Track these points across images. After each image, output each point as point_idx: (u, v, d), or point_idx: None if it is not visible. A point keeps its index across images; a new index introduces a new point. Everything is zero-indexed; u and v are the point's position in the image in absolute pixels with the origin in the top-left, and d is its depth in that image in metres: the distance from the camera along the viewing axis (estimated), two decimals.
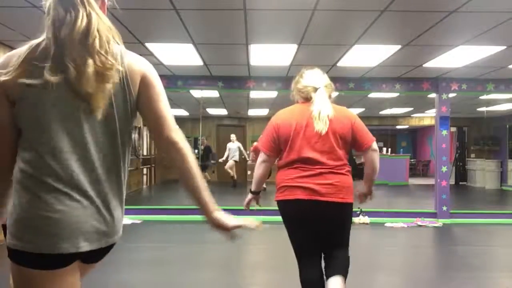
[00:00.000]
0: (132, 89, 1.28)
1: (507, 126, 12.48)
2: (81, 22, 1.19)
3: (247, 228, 1.42)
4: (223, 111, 12.40)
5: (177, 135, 1.33)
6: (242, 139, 12.11)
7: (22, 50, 1.25)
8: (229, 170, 11.26)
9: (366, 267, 4.32)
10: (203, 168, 11.10)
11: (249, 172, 12.02)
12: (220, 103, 10.52)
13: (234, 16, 4.16)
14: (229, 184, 11.19)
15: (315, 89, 2.45)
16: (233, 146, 11.36)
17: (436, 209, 7.18)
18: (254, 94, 8.81)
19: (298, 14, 4.09)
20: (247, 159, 11.44)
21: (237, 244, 5.63)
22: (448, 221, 7.06)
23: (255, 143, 10.92)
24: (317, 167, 2.36)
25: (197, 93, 8.74)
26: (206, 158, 11.23)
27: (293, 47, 5.33)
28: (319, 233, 2.45)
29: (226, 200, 8.43)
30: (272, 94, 8.60)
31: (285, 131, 2.43)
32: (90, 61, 1.18)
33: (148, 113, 1.33)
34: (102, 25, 1.23)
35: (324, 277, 2.43)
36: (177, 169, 1.36)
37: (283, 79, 7.22)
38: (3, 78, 1.19)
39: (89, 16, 1.20)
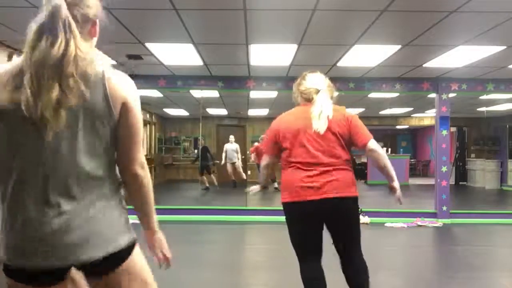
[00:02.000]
0: (113, 110, 1.31)
1: (507, 126, 12.46)
2: (58, 49, 1.21)
3: (162, 263, 1.51)
4: (223, 111, 12.39)
5: (141, 170, 1.37)
6: (242, 139, 12.10)
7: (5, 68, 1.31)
8: (230, 171, 11.23)
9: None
10: (203, 168, 11.07)
11: (249, 172, 12.01)
12: (220, 103, 10.52)
13: (234, 16, 4.16)
14: (230, 185, 11.19)
15: (317, 91, 2.54)
16: (232, 147, 11.31)
17: (436, 209, 7.18)
18: (254, 94, 8.81)
19: (298, 14, 4.09)
20: (249, 158, 11.44)
21: (237, 244, 5.65)
22: (448, 221, 7.06)
23: (255, 144, 10.92)
24: (319, 165, 2.41)
25: (197, 93, 8.74)
26: (204, 158, 11.20)
27: (293, 47, 5.33)
28: (329, 230, 2.52)
29: (226, 200, 8.46)
30: (272, 94, 8.60)
31: (286, 133, 2.51)
32: (56, 86, 1.21)
33: (120, 139, 1.35)
34: (80, 53, 1.25)
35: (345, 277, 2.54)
36: (134, 194, 1.40)
37: (283, 79, 7.22)
38: None
39: (67, 44, 1.23)
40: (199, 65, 6.34)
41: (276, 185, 10.69)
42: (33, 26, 1.25)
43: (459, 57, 5.66)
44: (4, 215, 1.28)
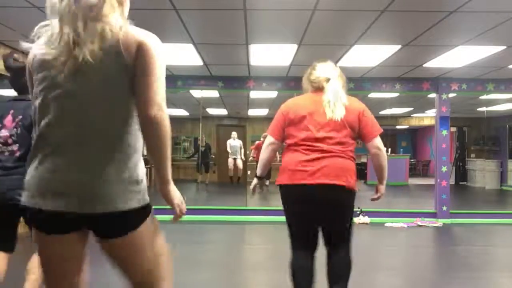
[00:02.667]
0: (128, 57, 1.30)
1: (507, 126, 12.46)
2: None
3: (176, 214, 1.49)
4: (223, 111, 12.39)
5: (158, 112, 1.32)
6: (242, 139, 12.07)
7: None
8: (230, 171, 11.20)
9: (366, 267, 4.32)
10: (203, 166, 11.07)
11: (248, 172, 11.99)
12: (220, 103, 10.52)
13: (234, 16, 4.16)
14: (229, 184, 11.18)
15: (328, 79, 2.48)
16: (235, 143, 11.32)
17: (436, 209, 7.18)
18: (254, 94, 8.80)
19: (298, 14, 4.09)
20: (250, 156, 11.42)
21: (237, 244, 5.65)
22: (448, 221, 7.06)
23: (257, 142, 10.91)
24: (319, 151, 2.37)
25: (197, 93, 8.74)
26: (205, 156, 11.20)
27: (293, 47, 5.33)
28: (318, 219, 2.45)
29: (226, 200, 8.46)
30: (272, 94, 8.59)
31: (292, 116, 2.45)
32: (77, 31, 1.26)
33: (136, 85, 1.33)
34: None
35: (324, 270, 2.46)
36: (150, 139, 1.35)
37: (283, 79, 7.22)
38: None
39: None
40: (199, 65, 6.34)
41: (267, 183, 10.68)
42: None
43: (459, 57, 5.66)
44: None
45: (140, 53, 1.31)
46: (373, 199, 2.63)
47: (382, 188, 2.59)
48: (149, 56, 1.33)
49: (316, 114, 2.41)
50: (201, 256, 4.86)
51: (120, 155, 1.32)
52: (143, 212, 1.39)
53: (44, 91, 1.34)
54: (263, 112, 11.96)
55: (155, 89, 1.32)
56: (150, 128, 1.31)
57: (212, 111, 12.09)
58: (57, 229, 1.34)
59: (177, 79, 7.02)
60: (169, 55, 5.83)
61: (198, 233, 6.08)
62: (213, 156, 11.63)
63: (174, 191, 1.44)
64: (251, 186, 2.80)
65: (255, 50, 5.48)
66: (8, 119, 2.51)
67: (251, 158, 11.14)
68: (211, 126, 13.23)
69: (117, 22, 1.32)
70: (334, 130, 2.39)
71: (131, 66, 1.31)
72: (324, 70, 2.52)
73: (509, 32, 4.56)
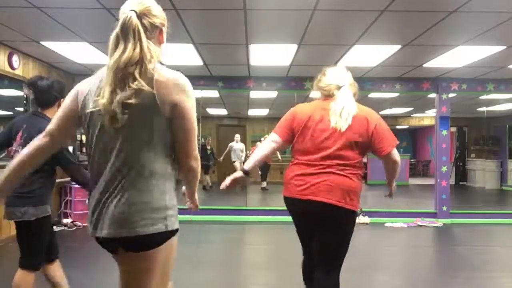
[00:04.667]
0: (162, 109, 1.47)
1: (507, 126, 12.46)
2: (128, 53, 1.44)
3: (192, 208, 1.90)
4: (223, 111, 12.39)
5: (195, 163, 1.60)
6: (242, 139, 12.08)
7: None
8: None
9: (366, 267, 4.32)
10: (206, 168, 11.03)
11: None
12: (220, 103, 10.52)
13: (234, 16, 4.16)
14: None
15: (339, 87, 2.36)
16: (239, 146, 11.26)
17: (436, 209, 7.18)
18: (254, 94, 8.80)
19: (298, 14, 4.09)
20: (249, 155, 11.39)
21: (237, 244, 5.65)
22: (448, 221, 7.06)
23: (258, 143, 10.90)
24: (316, 165, 2.25)
25: (197, 93, 8.73)
26: (206, 158, 11.17)
27: (293, 47, 5.33)
28: (312, 232, 2.38)
29: (226, 200, 8.43)
30: (272, 94, 8.59)
31: (299, 121, 2.35)
32: (123, 86, 1.44)
33: (175, 137, 1.54)
34: (146, 57, 1.48)
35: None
36: (187, 179, 1.70)
37: (283, 79, 7.22)
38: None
39: (134, 49, 1.45)
40: (199, 65, 6.34)
41: (264, 184, 10.66)
42: (111, 36, 1.47)
43: (459, 57, 5.66)
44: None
45: (176, 113, 1.50)
46: (387, 196, 2.69)
47: (394, 186, 2.62)
48: (185, 115, 1.52)
49: (320, 123, 2.29)
50: (201, 256, 4.86)
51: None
52: (165, 236, 1.52)
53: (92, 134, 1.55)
54: (263, 112, 11.96)
55: (193, 144, 1.56)
56: (188, 174, 1.64)
57: (212, 111, 12.10)
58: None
59: None
60: (169, 55, 5.83)
61: (198, 233, 6.08)
62: (218, 160, 11.53)
63: (196, 196, 1.86)
64: (230, 177, 2.43)
65: (255, 50, 5.48)
66: (19, 135, 2.58)
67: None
68: (211, 126, 13.23)
69: (153, 72, 1.51)
70: (337, 142, 2.24)
71: (168, 118, 1.50)
72: (335, 77, 2.39)
73: (509, 32, 4.56)
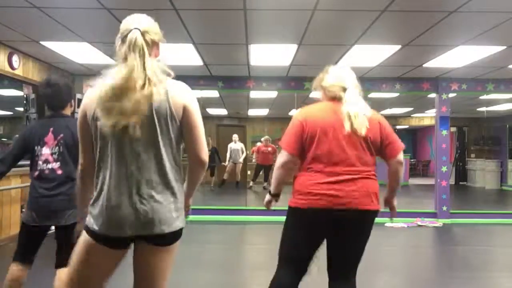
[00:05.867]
0: (176, 116, 1.64)
1: (507, 126, 12.47)
2: (135, 71, 1.58)
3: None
4: (223, 111, 12.39)
5: (205, 156, 1.73)
6: (242, 139, 12.08)
7: None
8: (226, 174, 11.09)
9: (366, 267, 4.31)
10: (212, 169, 10.98)
11: (248, 172, 11.99)
12: (220, 103, 10.52)
13: (234, 16, 4.16)
14: (231, 185, 11.15)
15: (344, 89, 2.25)
16: (236, 146, 11.24)
17: (436, 209, 7.18)
18: (254, 94, 8.81)
19: (298, 14, 4.09)
20: (250, 156, 11.38)
21: (237, 244, 5.65)
22: (448, 221, 7.06)
23: (258, 144, 10.90)
24: (345, 172, 2.14)
25: (197, 93, 8.74)
26: (212, 160, 11.11)
27: (293, 47, 5.33)
28: (332, 245, 2.27)
29: (226, 200, 8.45)
30: (272, 94, 8.60)
31: (312, 128, 2.17)
32: (133, 101, 1.56)
33: (186, 135, 1.70)
34: (150, 73, 1.63)
35: None
36: (193, 174, 1.80)
37: (283, 79, 7.22)
38: None
39: (139, 66, 1.60)
40: (199, 65, 6.34)
41: (265, 184, 10.63)
42: (118, 57, 1.62)
43: (459, 57, 5.66)
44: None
45: (186, 114, 1.67)
46: (390, 216, 2.55)
47: (395, 203, 2.49)
48: (193, 114, 1.69)
49: (339, 129, 2.16)
50: (201, 256, 4.86)
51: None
52: (178, 234, 1.72)
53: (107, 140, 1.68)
54: (263, 112, 11.96)
55: (202, 140, 1.73)
56: (198, 167, 1.76)
57: (212, 111, 12.10)
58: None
59: (177, 79, 7.00)
60: (169, 55, 5.84)
61: (198, 233, 6.08)
62: (224, 164, 11.41)
63: (190, 202, 1.94)
64: (265, 201, 2.47)
65: (255, 50, 5.48)
66: (49, 137, 2.53)
67: (254, 160, 11.10)
68: (211, 126, 13.24)
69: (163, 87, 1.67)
70: (357, 147, 2.17)
71: (179, 123, 1.67)
72: (339, 76, 2.29)
73: (509, 32, 4.56)
